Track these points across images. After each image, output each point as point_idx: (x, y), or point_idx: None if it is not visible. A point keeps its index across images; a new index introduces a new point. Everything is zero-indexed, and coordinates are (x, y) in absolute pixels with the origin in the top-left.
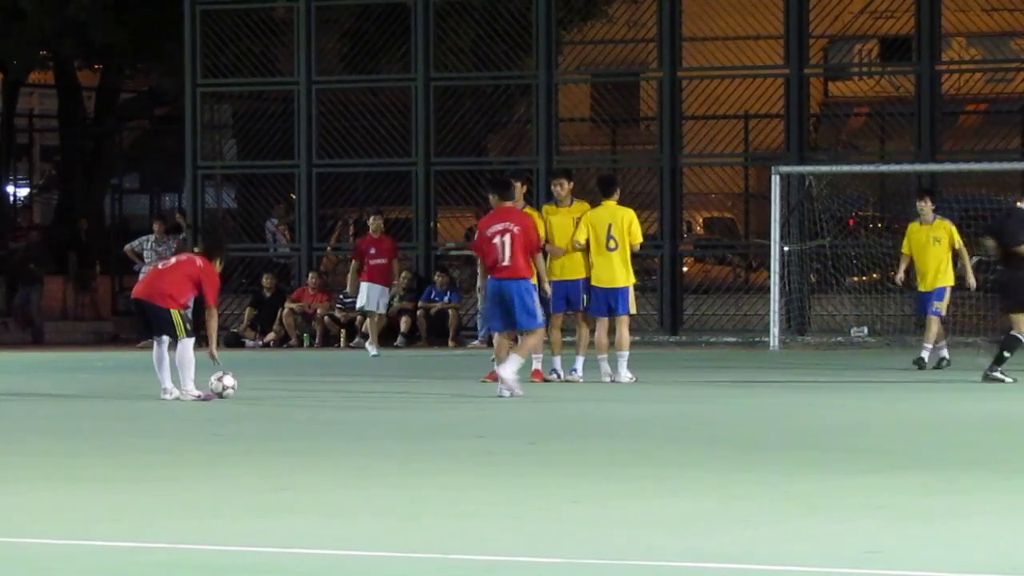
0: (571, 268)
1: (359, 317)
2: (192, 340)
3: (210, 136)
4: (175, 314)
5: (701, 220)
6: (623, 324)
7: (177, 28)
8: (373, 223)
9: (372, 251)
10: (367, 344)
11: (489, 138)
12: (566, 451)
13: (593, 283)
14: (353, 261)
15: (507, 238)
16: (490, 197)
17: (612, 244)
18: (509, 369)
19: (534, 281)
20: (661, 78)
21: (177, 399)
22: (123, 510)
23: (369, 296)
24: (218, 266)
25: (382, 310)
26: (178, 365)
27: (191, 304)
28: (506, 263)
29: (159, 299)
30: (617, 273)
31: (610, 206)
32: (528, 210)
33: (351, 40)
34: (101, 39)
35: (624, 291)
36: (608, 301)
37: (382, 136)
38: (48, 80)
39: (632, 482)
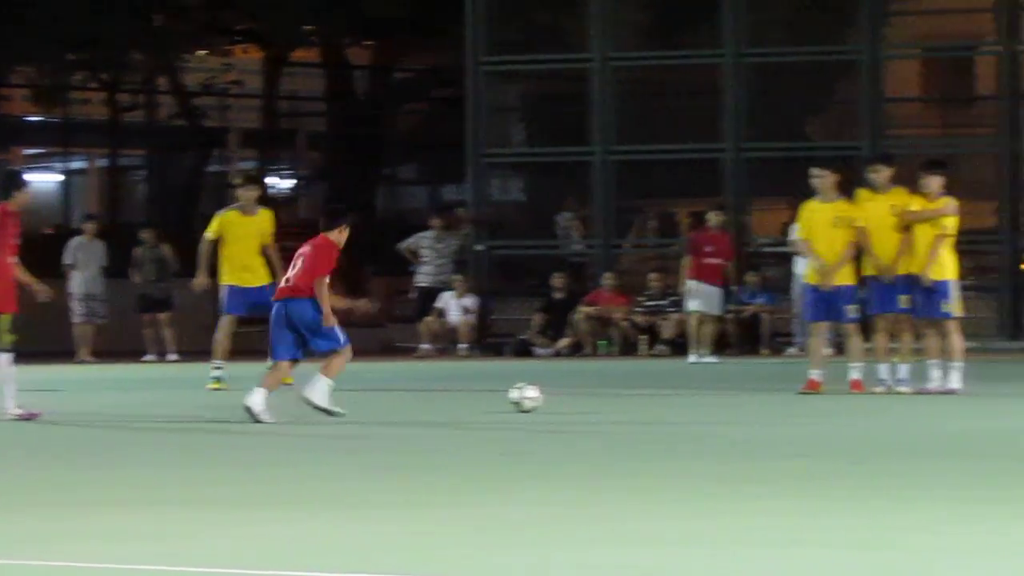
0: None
1: (658, 322)
2: None
3: (495, 120)
4: None
5: None
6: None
7: None
8: (714, 218)
9: (708, 248)
10: (692, 351)
11: (807, 120)
12: (893, 472)
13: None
14: (685, 256)
15: None
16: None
17: None
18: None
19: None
20: (1000, 52)
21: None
22: (392, 538)
23: (699, 296)
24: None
25: (717, 311)
26: None
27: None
28: None
29: None
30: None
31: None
32: (842, 201)
33: (653, 11)
34: (373, 12)
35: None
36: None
37: (687, 119)
38: (314, 58)
39: (969, 505)
